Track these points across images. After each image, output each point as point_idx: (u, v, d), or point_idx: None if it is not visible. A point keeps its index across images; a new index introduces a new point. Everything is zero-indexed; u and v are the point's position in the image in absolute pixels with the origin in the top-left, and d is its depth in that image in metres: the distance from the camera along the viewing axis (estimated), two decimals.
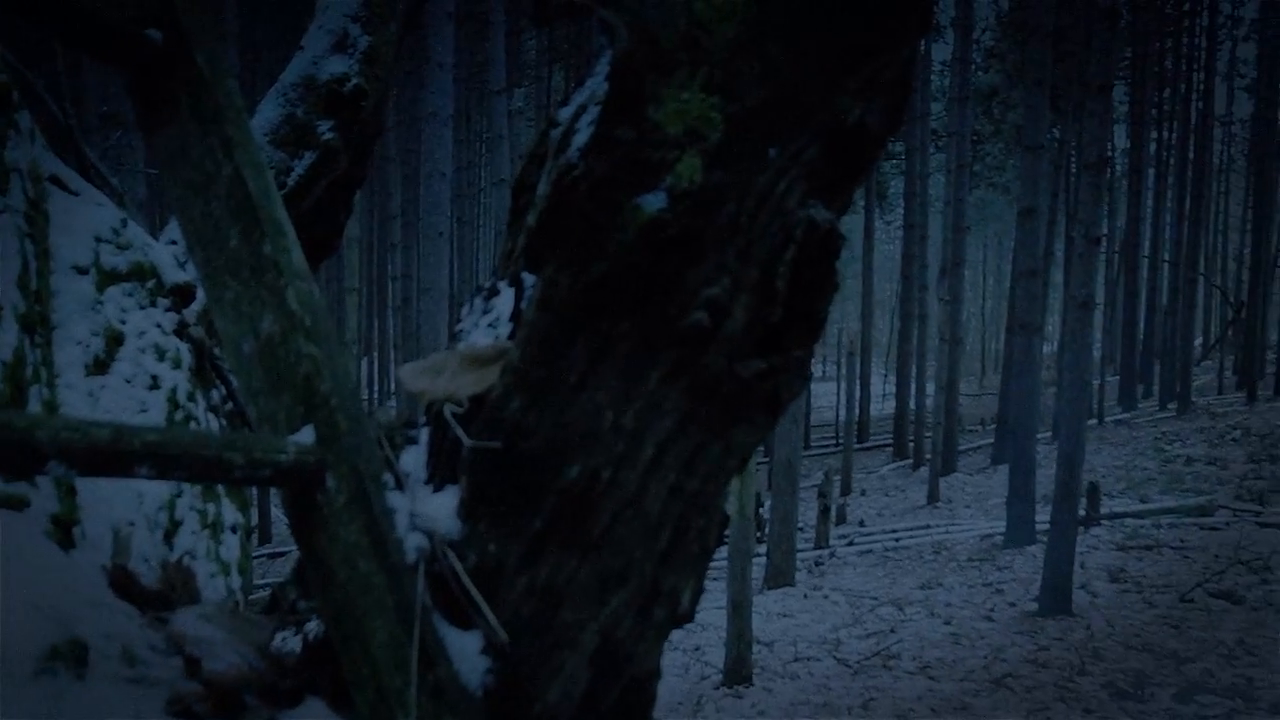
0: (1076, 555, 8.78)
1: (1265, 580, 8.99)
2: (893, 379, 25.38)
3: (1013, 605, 8.96)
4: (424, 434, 0.97)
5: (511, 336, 0.91)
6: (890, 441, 22.46)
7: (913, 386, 20.74)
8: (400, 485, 0.89)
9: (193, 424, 1.44)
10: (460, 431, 0.85)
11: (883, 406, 29.80)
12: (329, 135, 1.92)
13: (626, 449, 0.83)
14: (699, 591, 0.90)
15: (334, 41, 1.98)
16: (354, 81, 1.94)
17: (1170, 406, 20.42)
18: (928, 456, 16.58)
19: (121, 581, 0.91)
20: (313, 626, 0.90)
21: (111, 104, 13.19)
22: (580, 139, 0.94)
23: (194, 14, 0.97)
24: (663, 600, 0.86)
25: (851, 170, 0.94)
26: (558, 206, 0.84)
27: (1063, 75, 19.79)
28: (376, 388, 31.47)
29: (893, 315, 30.38)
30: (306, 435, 0.85)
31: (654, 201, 0.81)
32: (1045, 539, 9.04)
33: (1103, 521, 11.42)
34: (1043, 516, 10.64)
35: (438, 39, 11.04)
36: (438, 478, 0.90)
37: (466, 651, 0.82)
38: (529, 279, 0.93)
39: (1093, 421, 17.93)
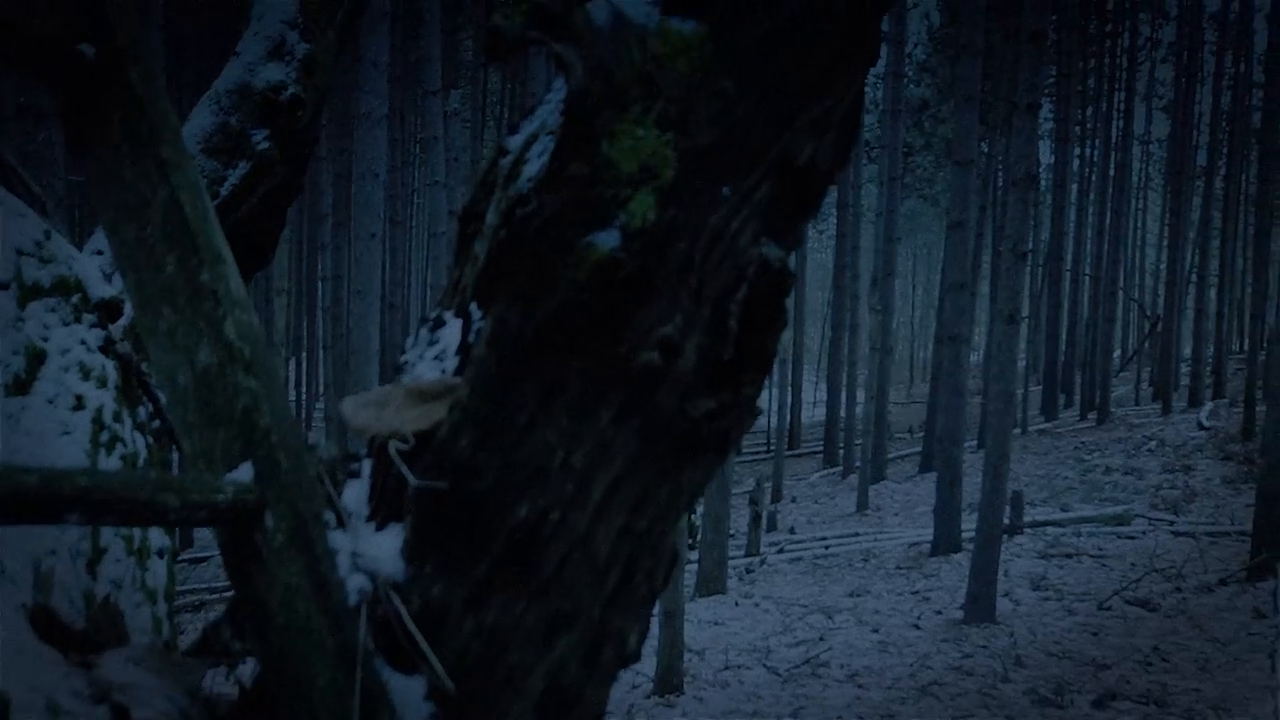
0: (1000, 563, 8.98)
1: (1178, 588, 9.29)
2: (824, 386, 25.69)
3: (939, 613, 9.12)
4: (366, 467, 0.94)
5: (458, 371, 0.89)
6: (821, 448, 22.73)
7: (843, 394, 21.01)
8: (342, 523, 0.87)
9: (119, 445, 1.39)
10: (406, 470, 0.83)
11: (813, 413, 30.15)
12: (264, 145, 1.87)
13: (576, 490, 0.81)
14: (645, 632, 0.89)
15: (270, 48, 1.93)
16: (291, 90, 1.89)
17: (1090, 416, 21.00)
18: (857, 464, 16.82)
19: (44, 623, 0.87)
20: (247, 669, 0.87)
21: (30, 95, 12.77)
22: (531, 169, 0.93)
23: (129, 28, 0.94)
24: (610, 642, 0.85)
25: (803, 207, 0.94)
26: (509, 243, 0.83)
27: (992, 91, 20.27)
28: (305, 389, 30.92)
29: (824, 323, 30.77)
30: (245, 472, 0.82)
31: (607, 240, 0.80)
32: (971, 547, 9.23)
33: (1026, 530, 11.69)
34: (968, 524, 10.85)
35: (372, 38, 10.89)
36: (381, 515, 0.88)
37: (410, 697, 0.80)
38: (477, 312, 0.92)
39: (1016, 430, 18.34)
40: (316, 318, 26.49)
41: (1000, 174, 22.23)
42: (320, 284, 23.80)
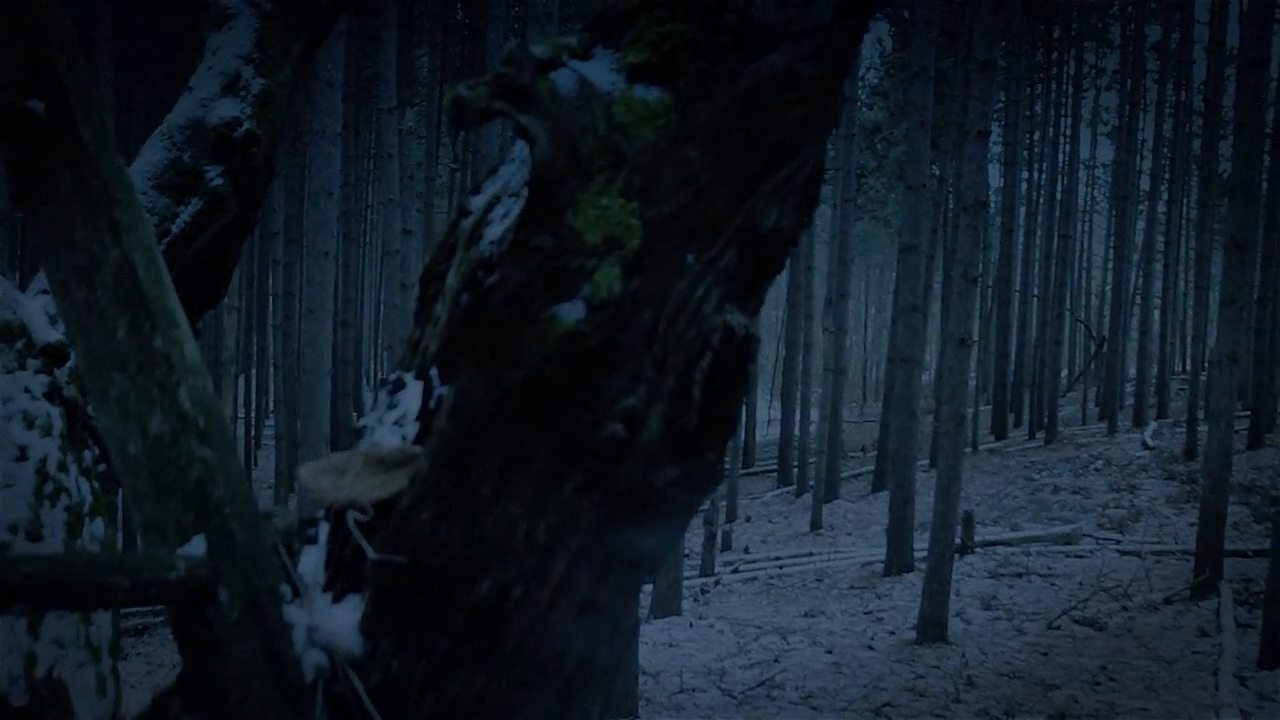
0: (952, 583, 9.06)
1: (1125, 607, 9.43)
2: (778, 404, 25.83)
3: (892, 633, 9.17)
4: (324, 531, 0.92)
5: (419, 438, 0.88)
6: (775, 467, 22.82)
7: (797, 413, 21.15)
8: (298, 594, 0.85)
9: (63, 496, 1.35)
10: (365, 544, 0.81)
11: (768, 431, 30.28)
12: (218, 181, 1.84)
13: (539, 564, 0.80)
14: (608, 704, 0.88)
15: (225, 83, 1.90)
16: (246, 126, 1.87)
17: (1039, 436, 21.31)
18: (811, 483, 16.90)
19: None
20: None
21: None
22: (494, 232, 0.92)
23: (80, 85, 0.92)
24: (573, 714, 0.84)
25: (766, 271, 0.95)
26: (472, 313, 0.82)
27: (943, 115, 20.60)
28: (255, 406, 30.45)
29: (779, 342, 30.96)
30: (197, 546, 0.80)
31: (572, 312, 0.80)
32: (923, 566, 9.30)
33: (977, 549, 11.81)
34: (921, 544, 10.95)
35: (327, 55, 10.81)
36: (339, 585, 0.86)
37: None
38: (438, 376, 0.90)
39: (967, 450, 18.54)
40: (267, 334, 26.13)
41: (951, 196, 22.59)
42: (271, 300, 23.49)
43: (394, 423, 0.91)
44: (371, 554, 0.80)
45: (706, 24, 0.90)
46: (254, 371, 30.06)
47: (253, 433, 29.92)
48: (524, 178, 0.90)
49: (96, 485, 1.59)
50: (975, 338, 20.39)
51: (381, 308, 26.74)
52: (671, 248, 0.85)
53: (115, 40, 16.65)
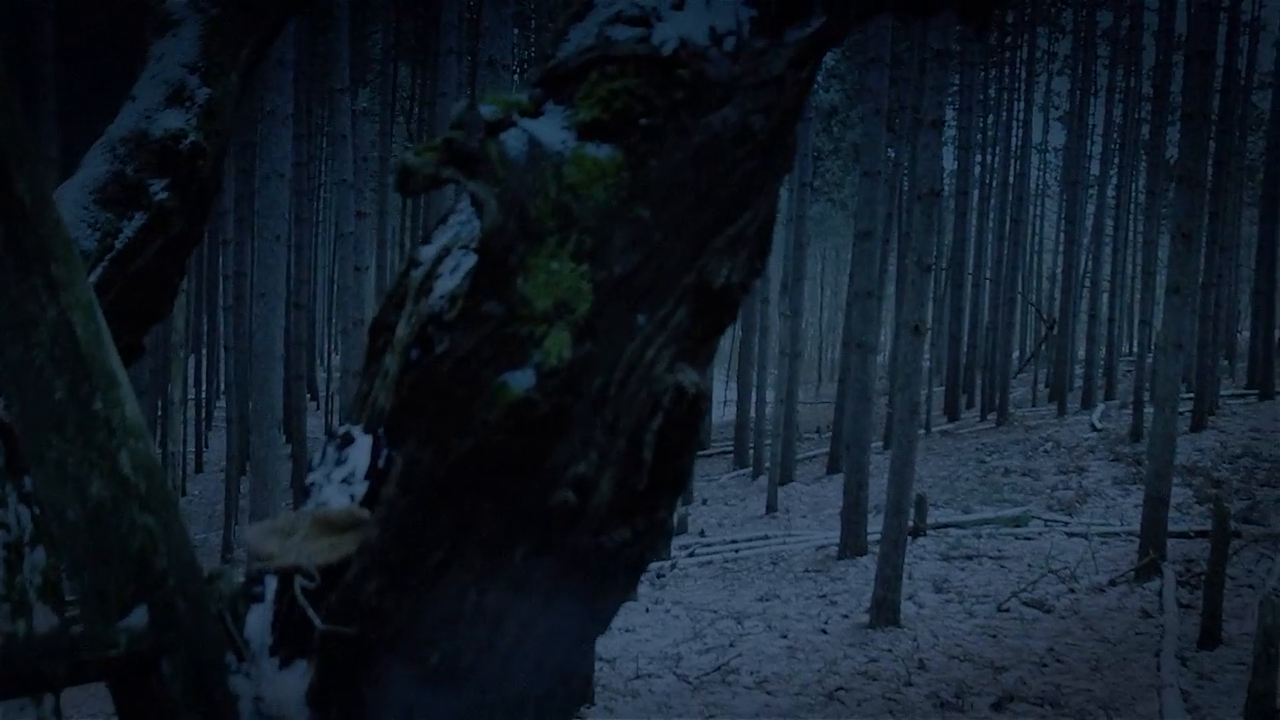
0: (905, 566, 9.18)
1: (1072, 589, 9.63)
2: (734, 386, 25.95)
3: (846, 617, 9.29)
4: (271, 587, 0.91)
5: (368, 499, 0.87)
6: (731, 449, 22.96)
7: (753, 396, 21.25)
8: (243, 659, 0.84)
9: (1, 531, 1.32)
10: (312, 614, 0.80)
11: (724, 413, 30.41)
12: (163, 195, 1.80)
13: (489, 632, 0.80)
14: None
15: (169, 93, 1.85)
16: (191, 138, 1.82)
17: (990, 417, 21.63)
18: (766, 465, 17.02)
19: None
20: None
21: None
22: (444, 285, 0.91)
23: (12, 134, 0.89)
24: None
25: (718, 326, 0.94)
26: (421, 381, 0.81)
27: (898, 99, 20.71)
28: (206, 387, 30.00)
29: (735, 325, 31.09)
30: (139, 617, 0.79)
31: (522, 380, 0.79)
32: (877, 550, 9.42)
33: (929, 532, 11.97)
34: (875, 526, 11.08)
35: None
36: (285, 649, 0.85)
37: None
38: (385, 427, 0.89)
39: (921, 431, 18.77)
40: (218, 315, 25.70)
41: (906, 179, 22.75)
42: (222, 281, 23.09)
43: (342, 480, 0.90)
44: (319, 625, 0.79)
45: (658, 80, 0.89)
46: (204, 351, 29.60)
47: (204, 414, 29.51)
48: (474, 231, 0.89)
49: (37, 511, 1.55)
50: (929, 325, 20.69)
51: (334, 289, 26.43)
52: (623, 309, 0.84)
53: (58, 59, 16.14)
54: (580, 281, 0.82)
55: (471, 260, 0.87)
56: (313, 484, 0.91)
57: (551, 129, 0.86)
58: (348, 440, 0.92)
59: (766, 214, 1.00)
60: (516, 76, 24.06)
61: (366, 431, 0.92)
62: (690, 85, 0.90)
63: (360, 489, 0.88)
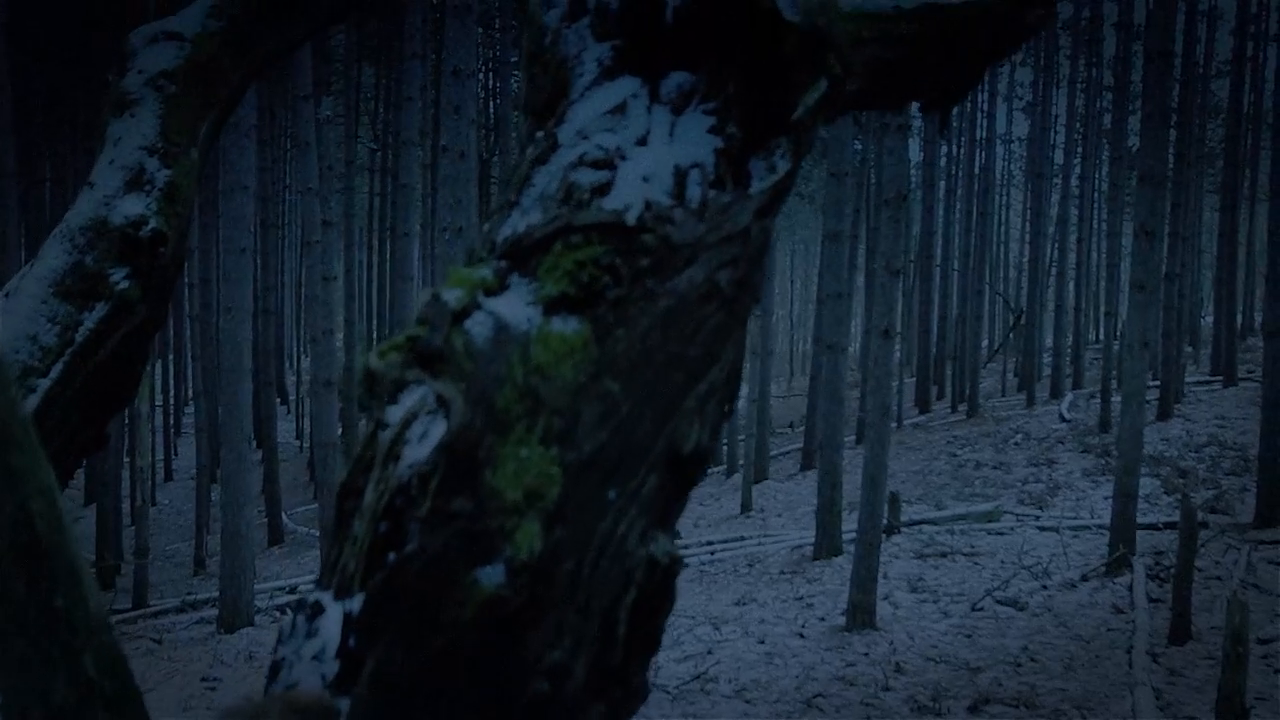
0: (880, 565, 9.25)
1: (1044, 586, 9.74)
2: None
3: (822, 620, 9.35)
4: None
5: (339, 681, 0.86)
6: None
7: None
8: None
9: None
10: None
11: None
12: (124, 284, 1.77)
13: None
14: None
15: (128, 178, 1.82)
16: (152, 224, 1.79)
17: (961, 409, 21.81)
18: (740, 463, 17.08)
19: None
20: None
21: None
22: (411, 454, 0.89)
23: None
24: None
25: (688, 486, 0.94)
26: (390, 581, 0.80)
27: None
28: (174, 394, 29.72)
29: None
30: None
31: (493, 575, 0.78)
32: (852, 549, 9.48)
33: (903, 529, 12.08)
34: (849, 524, 11.14)
35: None
36: None
37: None
38: (356, 603, 0.88)
39: (893, 425, 18.91)
40: (184, 323, 25.42)
41: (874, 173, 22.86)
42: (187, 290, 22.84)
43: (313, 657, 0.89)
44: None
45: (624, 247, 0.88)
46: (171, 357, 29.30)
47: (172, 421, 29.23)
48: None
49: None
50: (899, 328, 20.84)
51: (304, 296, 26.20)
52: (593, 487, 0.84)
53: (13, 72, 15.86)
54: (550, 466, 0.81)
55: (440, 427, 0.86)
56: (282, 660, 0.90)
57: (516, 306, 0.85)
58: (318, 610, 0.91)
59: (735, 360, 1.00)
60: (481, 84, 23.91)
61: (337, 598, 0.91)
62: (655, 251, 0.89)
63: (332, 669, 0.87)
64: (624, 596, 0.85)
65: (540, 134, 1.15)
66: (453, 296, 0.82)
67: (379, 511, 0.87)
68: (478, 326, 0.81)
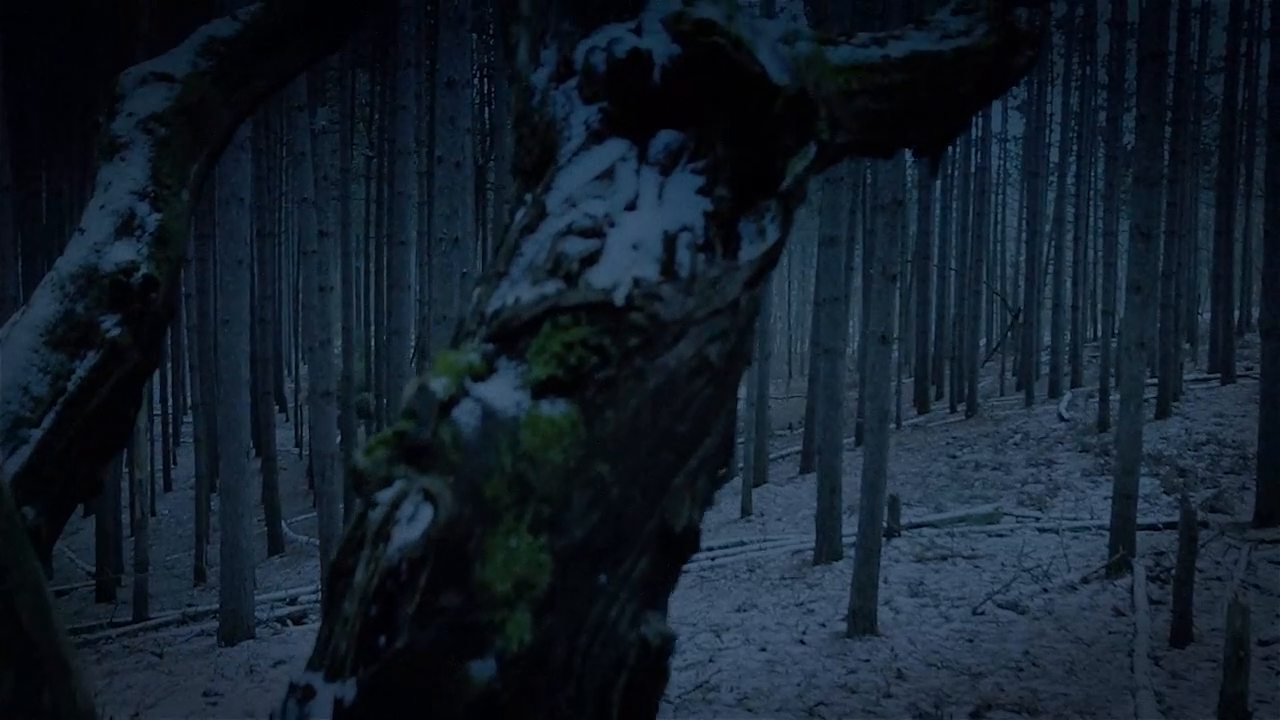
0: (880, 569, 9.24)
1: (1045, 589, 9.74)
2: None
3: (823, 626, 9.34)
4: None
5: None
6: None
7: None
8: None
9: None
10: None
11: None
12: (115, 332, 1.76)
13: None
14: None
15: (118, 224, 1.82)
16: (143, 271, 1.79)
17: (960, 409, 21.81)
18: (740, 466, 17.07)
19: None
20: None
21: None
22: (401, 535, 0.89)
23: None
24: None
25: (679, 564, 0.94)
26: (381, 675, 0.79)
27: None
28: (171, 403, 29.73)
29: None
30: None
31: (484, 669, 0.78)
32: (852, 553, 9.47)
33: (903, 533, 12.07)
34: (849, 527, 11.14)
35: None
36: None
37: None
38: (349, 691, 0.88)
39: (892, 426, 18.90)
40: (181, 333, 25.40)
41: (870, 175, 22.84)
42: (184, 300, 22.81)
43: None
44: None
45: (612, 326, 0.88)
46: (169, 366, 29.29)
47: (170, 431, 29.22)
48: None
49: None
50: (897, 330, 20.79)
51: (300, 304, 26.16)
52: (584, 573, 0.83)
53: (6, 67, 15.88)
54: (540, 554, 0.81)
55: (429, 512, 0.85)
56: None
57: (504, 391, 0.84)
58: (309, 694, 0.91)
59: (726, 428, 1.00)
60: (476, 89, 23.89)
61: (329, 680, 0.91)
62: (644, 329, 0.89)
63: None
64: (617, 680, 0.85)
65: (529, 195, 1.14)
66: (439, 385, 0.81)
67: (369, 594, 0.87)
68: (465, 415, 0.81)
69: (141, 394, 1.93)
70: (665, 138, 1.15)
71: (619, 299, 0.88)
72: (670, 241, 1.01)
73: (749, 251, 1.00)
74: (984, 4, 1.42)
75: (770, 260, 1.00)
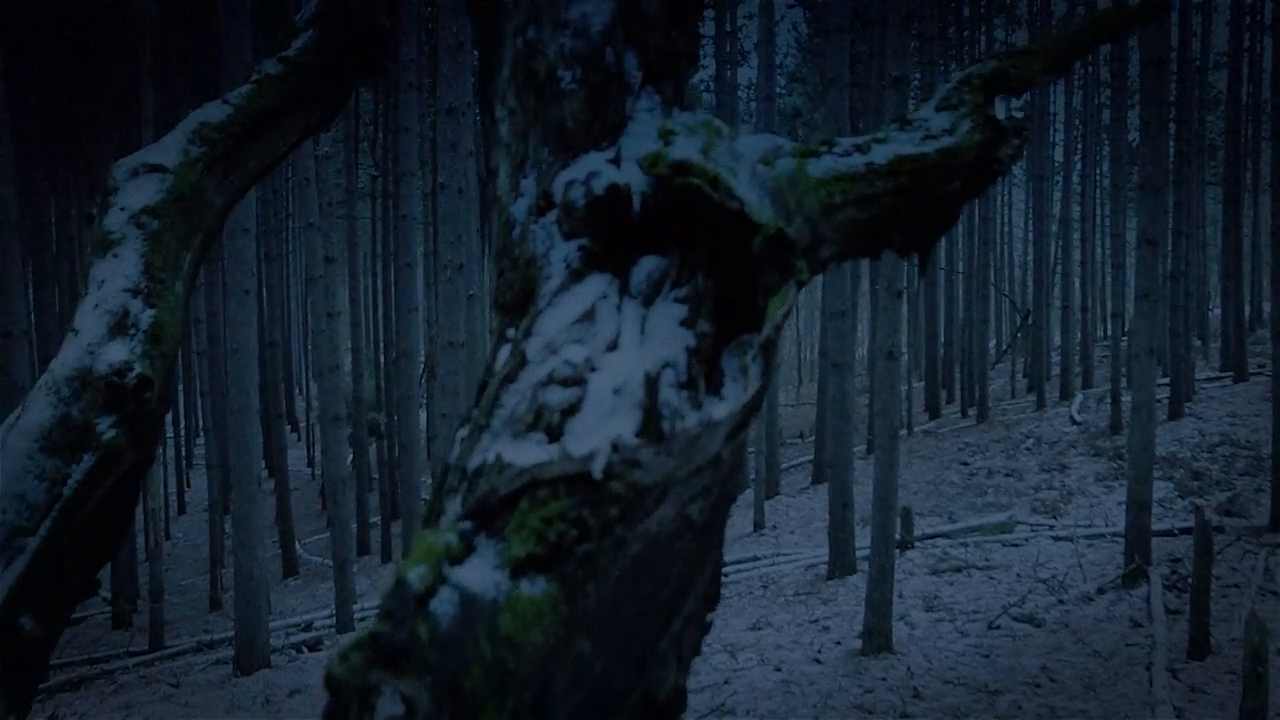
0: (894, 583, 9.19)
1: (1061, 600, 9.68)
2: None
3: (839, 643, 9.30)
4: None
5: None
6: None
7: None
8: None
9: None
10: None
11: None
12: (111, 434, 1.76)
13: None
14: None
15: (112, 323, 1.82)
16: (137, 370, 1.79)
17: (971, 413, 21.72)
18: (751, 478, 17.03)
19: None
20: None
21: None
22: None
23: None
24: None
25: None
26: None
27: (861, 98, 20.75)
28: (183, 426, 29.87)
29: None
30: None
31: None
32: (865, 567, 9.43)
33: (916, 544, 12.02)
34: (863, 540, 11.11)
35: (227, 68, 10.52)
36: None
37: None
38: None
39: (903, 433, 18.83)
40: (191, 360, 25.49)
41: None
42: (193, 327, 22.90)
43: None
44: None
45: (592, 497, 0.87)
46: (180, 388, 29.41)
47: (183, 453, 29.34)
48: None
49: None
50: (905, 337, 20.74)
51: (308, 331, 26.24)
52: None
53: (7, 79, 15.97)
54: None
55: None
56: None
57: (484, 572, 0.84)
58: None
59: (713, 572, 0.99)
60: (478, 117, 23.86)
61: None
62: (624, 498, 0.88)
63: None
64: None
65: (511, 332, 1.14)
66: (416, 576, 0.81)
67: None
68: (443, 605, 0.80)
69: (139, 489, 1.93)
70: (647, 265, 1.15)
71: (597, 470, 0.88)
72: (652, 384, 1.00)
73: (731, 391, 0.99)
74: (968, 99, 1.42)
75: (753, 409, 0.99)
